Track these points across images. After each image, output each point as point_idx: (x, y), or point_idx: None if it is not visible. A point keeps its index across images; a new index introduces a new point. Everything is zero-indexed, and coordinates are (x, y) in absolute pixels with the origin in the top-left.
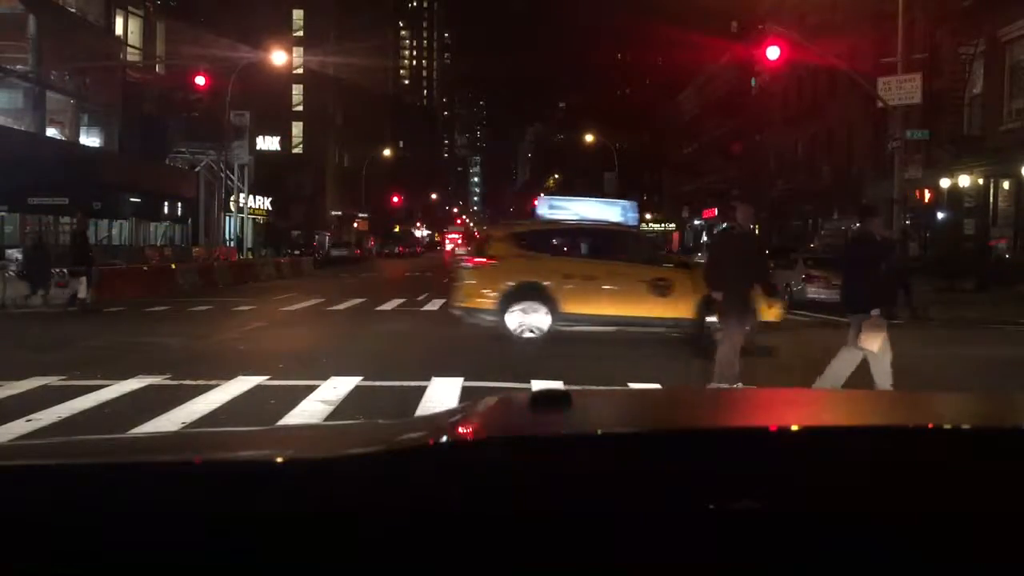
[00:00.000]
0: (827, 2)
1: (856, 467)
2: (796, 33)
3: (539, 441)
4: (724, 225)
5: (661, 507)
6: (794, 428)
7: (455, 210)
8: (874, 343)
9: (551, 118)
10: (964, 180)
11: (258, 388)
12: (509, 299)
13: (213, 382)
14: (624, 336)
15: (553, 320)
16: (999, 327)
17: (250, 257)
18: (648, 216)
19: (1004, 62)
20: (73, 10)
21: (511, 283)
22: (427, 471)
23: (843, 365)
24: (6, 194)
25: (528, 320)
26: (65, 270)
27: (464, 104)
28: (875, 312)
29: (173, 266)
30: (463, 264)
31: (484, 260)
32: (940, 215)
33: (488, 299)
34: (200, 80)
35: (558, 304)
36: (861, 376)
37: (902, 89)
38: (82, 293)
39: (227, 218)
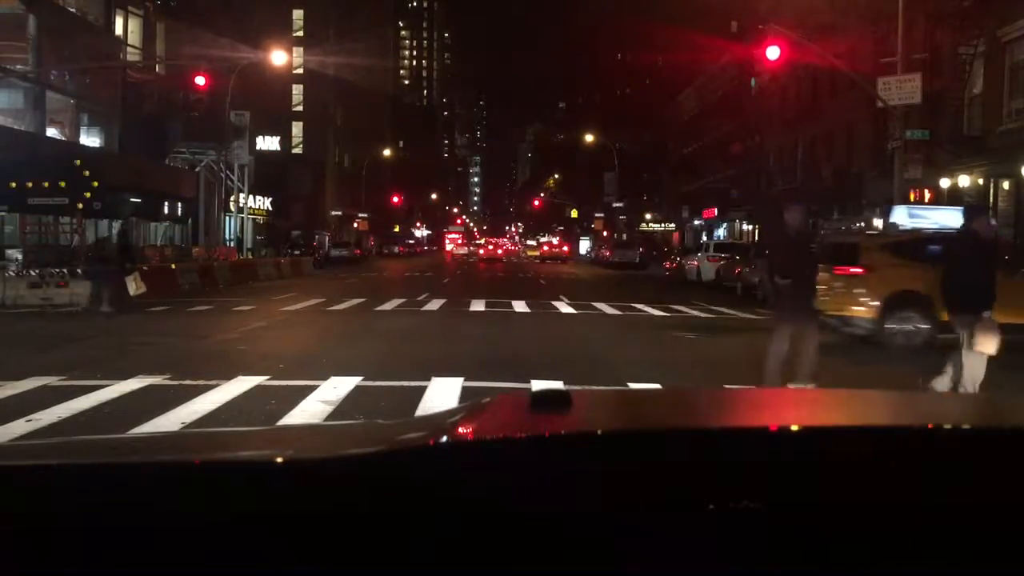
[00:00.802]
0: (827, 2)
1: (856, 467)
2: (796, 33)
3: (539, 441)
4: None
5: (661, 507)
6: (794, 428)
7: (455, 210)
8: (991, 345)
9: (551, 118)
10: (964, 180)
11: (258, 388)
12: (888, 307)
13: (213, 382)
14: None
15: (932, 328)
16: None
17: (250, 257)
18: (648, 216)
19: (1004, 62)
20: (73, 10)
21: (890, 292)
22: (427, 471)
23: (974, 369)
24: (6, 194)
25: (907, 328)
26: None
27: (464, 104)
28: (987, 314)
29: (173, 266)
30: (832, 273)
31: (859, 269)
32: None
33: (866, 307)
34: (200, 80)
35: (938, 312)
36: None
37: (902, 89)
38: (133, 290)
39: (227, 218)
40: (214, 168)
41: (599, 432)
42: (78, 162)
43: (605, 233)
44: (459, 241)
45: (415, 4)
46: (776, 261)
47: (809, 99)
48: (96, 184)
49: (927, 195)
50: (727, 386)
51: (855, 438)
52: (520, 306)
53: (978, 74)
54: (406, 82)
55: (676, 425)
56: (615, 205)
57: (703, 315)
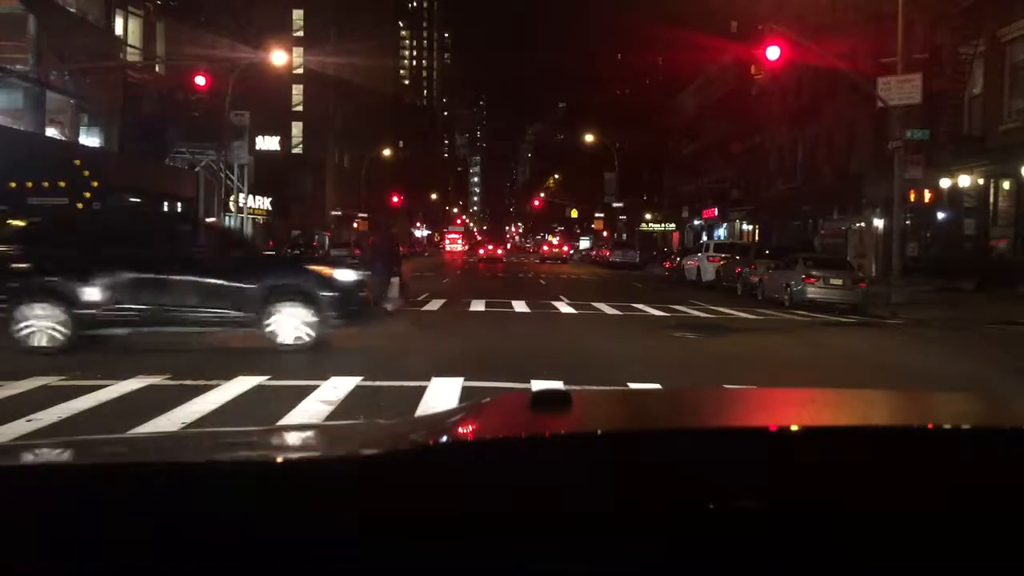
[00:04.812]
0: (827, 2)
1: (856, 467)
2: (796, 33)
3: (539, 441)
4: None
5: (661, 507)
6: (794, 428)
7: (455, 210)
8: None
9: (551, 118)
10: (964, 180)
11: (258, 388)
12: None
13: (213, 382)
14: None
15: None
16: (999, 327)
17: None
18: (648, 216)
19: (1004, 62)
20: (73, 10)
21: None
22: (427, 471)
23: None
24: (6, 194)
25: None
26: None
27: (464, 104)
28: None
29: None
30: None
31: None
32: (940, 215)
33: None
34: (200, 80)
35: None
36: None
37: (902, 89)
38: (394, 294)
39: (227, 218)
40: (214, 168)
41: (599, 432)
42: (78, 162)
43: (605, 233)
44: (459, 241)
45: (415, 4)
46: None
47: (809, 99)
48: (96, 184)
49: (927, 195)
50: (727, 386)
51: (855, 438)
52: (520, 306)
53: (978, 74)
54: (406, 82)
55: (676, 425)
56: (615, 205)
57: (703, 315)
